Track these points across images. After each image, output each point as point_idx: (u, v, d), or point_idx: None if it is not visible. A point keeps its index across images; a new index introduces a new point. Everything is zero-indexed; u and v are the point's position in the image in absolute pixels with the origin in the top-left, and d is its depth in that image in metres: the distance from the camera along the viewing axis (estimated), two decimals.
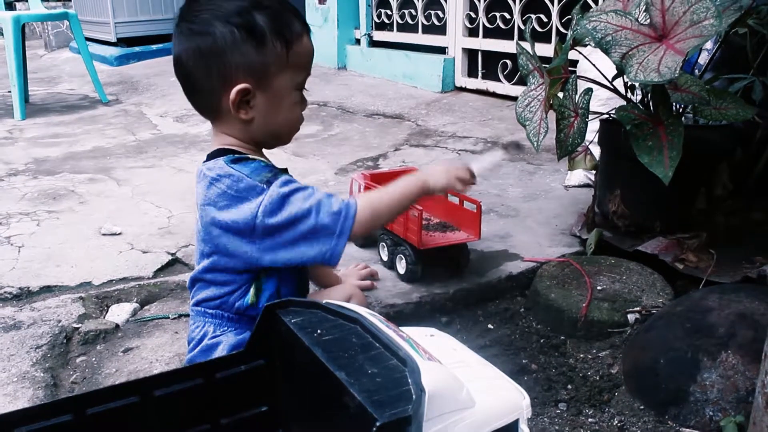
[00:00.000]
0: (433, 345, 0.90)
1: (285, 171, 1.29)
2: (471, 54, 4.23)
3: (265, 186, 1.16)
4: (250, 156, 1.23)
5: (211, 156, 1.24)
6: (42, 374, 1.49)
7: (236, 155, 1.22)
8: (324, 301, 0.89)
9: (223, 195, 1.18)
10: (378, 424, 0.66)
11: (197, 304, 1.27)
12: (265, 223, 1.15)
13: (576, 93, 1.77)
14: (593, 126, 1.96)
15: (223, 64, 1.16)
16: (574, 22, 1.83)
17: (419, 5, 4.53)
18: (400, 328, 0.88)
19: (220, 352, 1.22)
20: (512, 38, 3.86)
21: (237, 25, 1.14)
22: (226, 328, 1.24)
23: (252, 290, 1.23)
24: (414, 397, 0.70)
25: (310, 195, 1.17)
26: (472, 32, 4.18)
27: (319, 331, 0.83)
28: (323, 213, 1.16)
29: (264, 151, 1.32)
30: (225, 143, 1.25)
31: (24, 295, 1.85)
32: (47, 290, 1.88)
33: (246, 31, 1.15)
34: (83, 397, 0.82)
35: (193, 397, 0.89)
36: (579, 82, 1.81)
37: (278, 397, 0.93)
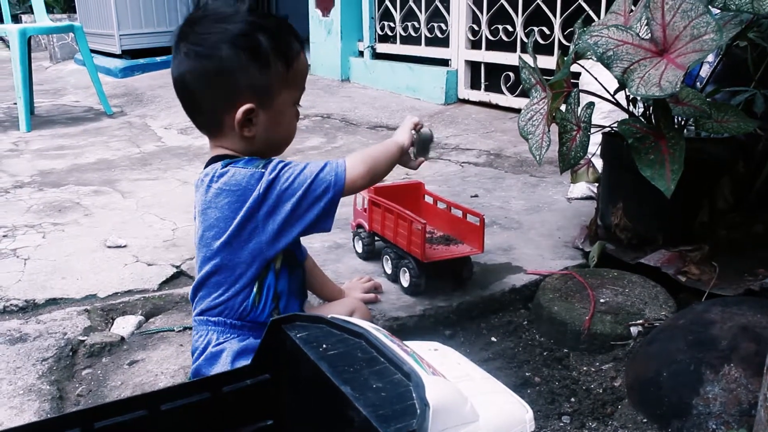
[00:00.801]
0: (437, 359, 0.91)
1: None
2: (474, 66, 4.25)
3: (262, 169, 1.21)
4: (243, 157, 1.28)
5: (208, 164, 1.29)
6: (48, 387, 1.50)
7: (231, 159, 1.26)
8: (329, 316, 0.90)
9: (222, 192, 1.22)
10: None
11: (200, 313, 1.29)
12: (271, 192, 1.21)
13: (578, 106, 1.79)
14: (596, 139, 1.97)
15: (229, 85, 1.20)
16: (576, 36, 1.84)
17: (422, 17, 4.56)
18: (404, 342, 0.89)
19: (224, 359, 1.23)
20: (515, 50, 3.88)
21: (242, 47, 1.19)
22: (229, 335, 1.26)
23: (255, 289, 1.25)
24: (418, 411, 0.71)
25: (297, 164, 1.24)
26: (475, 44, 4.20)
27: (324, 346, 0.84)
28: (315, 171, 1.22)
29: None
30: (222, 153, 1.29)
31: (30, 308, 1.86)
32: (53, 303, 1.89)
33: (251, 53, 1.19)
34: (91, 410, 0.83)
35: (199, 411, 0.90)
36: (581, 95, 1.83)
37: (283, 410, 0.94)
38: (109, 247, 2.27)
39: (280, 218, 1.22)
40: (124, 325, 1.77)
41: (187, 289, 1.91)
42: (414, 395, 0.73)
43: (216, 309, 1.26)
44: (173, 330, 1.74)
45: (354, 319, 0.90)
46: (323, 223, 1.25)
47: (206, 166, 1.29)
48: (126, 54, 6.65)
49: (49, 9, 6.94)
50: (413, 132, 1.45)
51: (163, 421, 0.87)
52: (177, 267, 2.07)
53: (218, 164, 1.25)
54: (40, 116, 4.77)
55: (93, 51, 5.29)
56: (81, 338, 1.70)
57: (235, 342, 1.25)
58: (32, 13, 5.13)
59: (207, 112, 1.26)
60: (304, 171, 1.22)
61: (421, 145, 1.53)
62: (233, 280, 1.25)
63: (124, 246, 2.27)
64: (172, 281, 2.01)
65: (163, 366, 1.59)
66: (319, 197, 1.21)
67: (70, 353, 1.64)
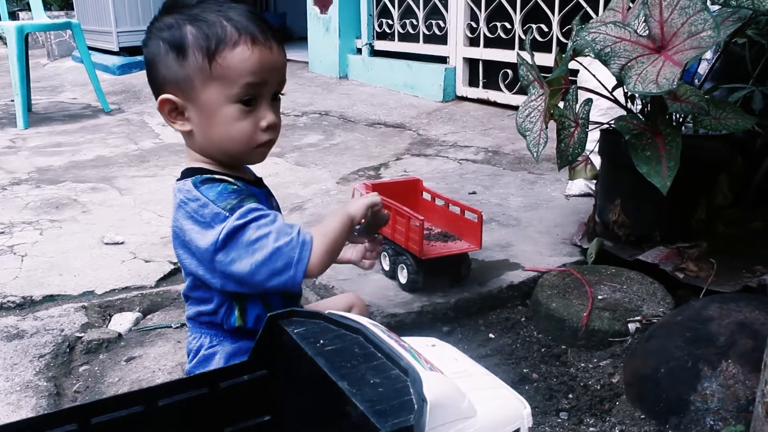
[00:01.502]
0: (434, 355, 0.91)
1: (258, 183, 1.28)
2: (472, 63, 4.25)
3: (228, 213, 1.11)
4: (217, 176, 1.18)
5: (182, 175, 1.22)
6: (45, 383, 1.50)
7: (205, 175, 1.18)
8: (326, 312, 0.90)
9: (190, 218, 1.15)
10: None
11: (192, 317, 1.27)
12: (229, 246, 1.12)
13: (576, 103, 1.78)
14: (594, 136, 1.97)
15: (153, 76, 1.18)
16: (574, 33, 1.85)
17: (420, 15, 4.55)
18: (402, 338, 0.88)
19: (216, 362, 1.21)
20: (513, 48, 3.88)
21: (163, 38, 1.14)
22: (221, 338, 1.24)
23: (236, 312, 1.21)
24: (416, 407, 0.71)
25: (266, 224, 1.12)
26: (473, 42, 4.20)
27: (321, 341, 0.84)
28: (280, 242, 1.10)
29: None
30: (193, 158, 1.22)
31: (27, 305, 1.86)
32: (50, 299, 1.89)
33: (169, 44, 1.14)
34: (88, 406, 0.82)
35: (197, 407, 0.89)
36: (579, 92, 1.82)
37: (281, 406, 0.94)
38: (106, 243, 2.26)
39: (234, 276, 1.13)
40: (121, 322, 1.77)
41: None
42: (411, 391, 0.73)
43: (205, 316, 1.24)
44: (171, 326, 1.74)
45: (351, 315, 0.89)
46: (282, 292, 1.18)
47: (180, 178, 1.21)
48: (124, 51, 6.63)
49: (47, 6, 6.93)
50: (369, 211, 1.29)
51: (161, 416, 0.87)
52: (174, 264, 2.07)
53: (190, 182, 1.16)
54: (37, 113, 4.76)
55: (90, 48, 5.28)
56: (78, 335, 1.70)
57: (228, 344, 1.23)
58: (30, 10, 5.11)
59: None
60: (268, 237, 1.11)
61: (373, 227, 1.38)
62: (210, 296, 1.21)
63: (122, 243, 2.27)
64: (169, 278, 2.01)
65: (161, 362, 1.59)
66: (279, 272, 1.11)
67: (67, 350, 1.64)
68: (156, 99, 1.19)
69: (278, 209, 1.33)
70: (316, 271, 1.13)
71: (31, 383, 1.50)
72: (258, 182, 1.30)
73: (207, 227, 1.12)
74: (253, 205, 1.13)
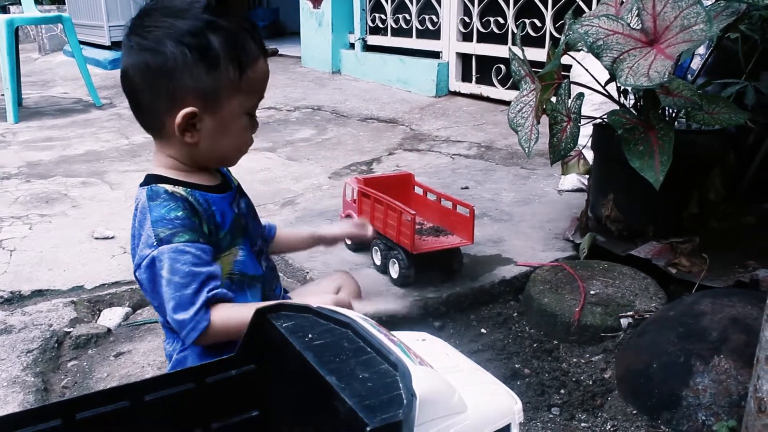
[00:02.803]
0: (424, 349, 0.90)
1: (222, 187, 1.24)
2: (465, 58, 4.24)
3: (155, 242, 1.10)
4: (169, 188, 1.15)
5: (144, 181, 1.19)
6: (32, 379, 1.48)
7: (156, 187, 1.15)
8: (315, 306, 0.89)
9: (134, 227, 1.16)
10: (368, 429, 0.66)
11: (162, 322, 1.24)
12: (139, 279, 1.14)
13: (569, 98, 1.78)
14: (587, 131, 1.96)
15: (172, 85, 1.10)
16: (566, 26, 1.83)
17: (413, 9, 4.54)
18: (392, 332, 0.87)
19: (189, 365, 1.19)
20: (506, 43, 3.87)
21: (190, 46, 1.08)
22: None
23: None
24: (405, 401, 0.70)
25: (177, 283, 1.09)
26: (466, 37, 4.19)
27: (310, 336, 0.83)
28: (177, 311, 1.09)
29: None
30: (162, 164, 1.19)
31: (15, 299, 1.84)
32: (39, 294, 1.87)
33: (198, 53, 1.09)
34: (72, 401, 0.81)
35: (183, 402, 0.88)
36: (572, 86, 1.82)
37: (269, 401, 0.92)
38: (96, 238, 2.25)
39: (153, 301, 1.16)
40: (110, 317, 1.76)
41: None
42: (401, 386, 0.72)
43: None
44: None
45: (341, 309, 0.88)
46: None
47: (144, 182, 1.19)
48: (116, 45, 6.60)
49: (38, 0, 6.87)
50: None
51: (147, 412, 0.86)
52: None
53: (145, 192, 1.14)
54: (28, 108, 4.72)
55: (82, 42, 5.24)
56: (67, 330, 1.68)
57: (197, 348, 1.21)
58: (20, 3, 5.07)
59: (148, 111, 1.16)
60: (163, 305, 1.11)
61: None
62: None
63: (112, 237, 2.25)
64: None
65: (150, 357, 1.58)
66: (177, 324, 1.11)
67: (56, 345, 1.62)
68: (155, 104, 1.13)
69: (250, 208, 1.31)
70: (207, 342, 1.11)
71: (19, 379, 1.48)
72: (223, 185, 1.25)
73: (138, 245, 1.13)
74: (182, 245, 1.10)
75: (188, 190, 1.16)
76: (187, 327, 1.09)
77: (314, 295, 1.29)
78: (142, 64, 1.11)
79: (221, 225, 1.19)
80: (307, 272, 1.87)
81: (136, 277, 1.15)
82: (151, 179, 1.18)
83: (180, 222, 1.12)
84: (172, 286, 1.09)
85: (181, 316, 1.08)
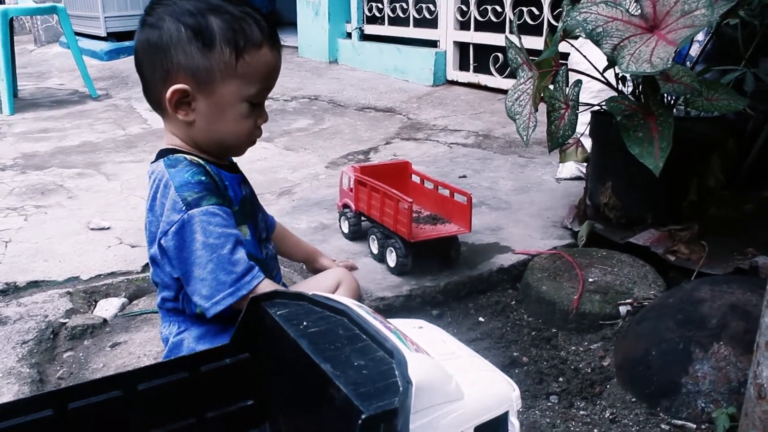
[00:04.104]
0: (421, 337, 0.89)
1: (232, 168, 1.26)
2: (462, 47, 4.22)
3: (184, 207, 1.10)
4: (187, 156, 1.17)
5: (157, 155, 1.20)
6: (28, 370, 1.48)
7: (175, 156, 1.17)
8: (311, 293, 0.88)
9: (153, 199, 1.15)
10: (364, 416, 0.65)
11: (160, 305, 1.25)
12: (165, 247, 1.13)
13: (567, 85, 1.76)
14: (585, 118, 1.95)
15: (166, 61, 1.12)
16: (564, 13, 1.82)
17: None
18: (388, 319, 0.86)
19: (186, 348, 1.19)
20: (504, 31, 3.84)
21: (186, 24, 1.10)
22: (188, 324, 1.21)
23: None
24: (401, 389, 0.69)
25: (212, 244, 1.11)
26: (464, 25, 4.16)
27: (305, 323, 0.82)
28: (216, 272, 1.11)
29: None
30: (170, 142, 1.21)
31: (11, 291, 1.83)
32: (34, 285, 1.86)
33: (193, 31, 1.10)
34: (64, 391, 0.80)
35: (178, 391, 0.87)
36: (570, 74, 1.80)
37: (264, 390, 0.92)
38: (92, 229, 2.23)
39: (178, 270, 1.14)
40: (106, 307, 1.75)
41: None
42: (396, 373, 0.71)
43: (169, 302, 1.21)
44: (156, 312, 1.71)
45: (336, 296, 0.87)
46: None
47: (156, 158, 1.20)
48: (111, 36, 6.56)
49: None
50: None
51: (141, 401, 0.85)
52: None
53: (162, 162, 1.16)
54: (23, 99, 4.70)
55: (78, 34, 5.21)
56: (62, 321, 1.67)
57: (194, 329, 1.19)
58: None
59: (149, 87, 1.17)
60: (197, 267, 1.11)
61: None
62: (171, 282, 1.19)
63: (108, 228, 2.24)
64: None
65: (146, 348, 1.57)
66: (204, 293, 1.12)
67: (51, 336, 1.61)
68: (153, 79, 1.15)
69: (253, 196, 1.32)
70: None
71: (14, 370, 1.47)
72: (232, 166, 1.28)
73: (163, 211, 1.12)
74: (211, 208, 1.12)
75: (203, 161, 1.18)
76: (224, 291, 1.11)
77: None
78: (144, 40, 1.14)
79: (233, 200, 1.20)
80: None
81: (160, 244, 1.13)
82: (164, 152, 1.19)
83: (204, 186, 1.14)
84: (208, 248, 1.10)
85: (224, 277, 1.11)
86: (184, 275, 1.13)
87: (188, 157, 1.17)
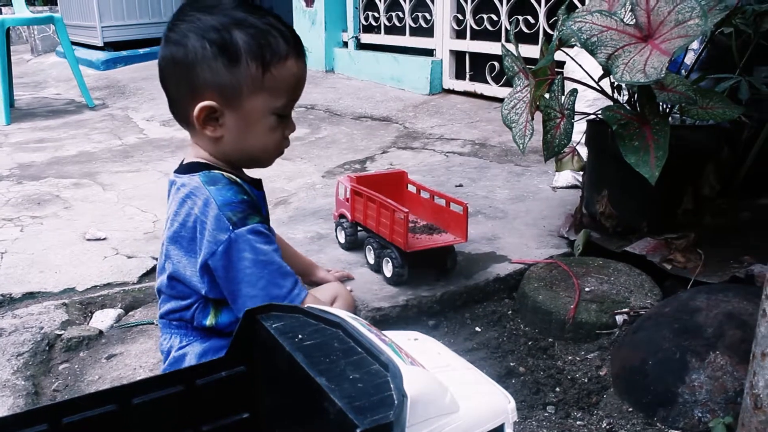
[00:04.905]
0: (416, 349, 0.88)
1: (258, 185, 1.27)
2: (458, 56, 4.23)
3: (230, 226, 1.11)
4: (225, 174, 1.17)
5: (186, 168, 1.19)
6: (23, 382, 1.47)
7: (212, 173, 1.16)
8: (306, 306, 0.88)
9: (191, 216, 1.14)
10: (358, 430, 0.64)
11: (163, 316, 1.24)
12: (213, 267, 1.13)
13: (562, 94, 1.77)
14: (581, 127, 1.95)
15: (192, 77, 1.12)
16: (559, 22, 1.82)
17: (406, 7, 4.53)
18: (384, 331, 0.86)
19: (187, 363, 1.19)
20: (499, 40, 3.86)
21: (210, 40, 1.10)
22: (191, 338, 1.21)
23: (211, 311, 1.19)
24: (396, 402, 0.69)
25: (262, 261, 1.12)
26: (460, 34, 4.18)
27: (300, 336, 0.82)
28: (269, 288, 1.13)
29: None
30: (200, 156, 1.20)
31: (6, 302, 1.83)
32: (30, 297, 1.86)
33: (219, 47, 1.10)
34: (59, 405, 0.80)
35: (173, 405, 0.87)
36: (566, 82, 1.80)
37: (259, 403, 0.91)
38: (88, 239, 2.23)
39: (224, 288, 1.15)
40: (102, 319, 1.74)
41: None
42: (391, 386, 0.71)
43: (175, 314, 1.21)
44: (153, 323, 1.71)
45: (331, 309, 0.87)
46: None
47: (183, 171, 1.19)
48: (108, 46, 6.58)
49: (30, 1, 6.85)
50: None
51: (136, 415, 0.85)
52: (157, 259, 2.04)
53: (198, 178, 1.15)
54: (20, 109, 4.70)
55: (75, 43, 5.22)
56: (58, 332, 1.66)
57: (197, 344, 1.19)
58: (11, 5, 5.05)
59: (175, 103, 1.18)
60: (251, 286, 1.12)
61: None
62: (189, 294, 1.19)
63: (104, 239, 2.23)
64: (152, 274, 1.98)
65: (142, 359, 1.56)
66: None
67: (47, 348, 1.61)
68: (179, 96, 1.15)
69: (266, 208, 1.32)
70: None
71: (9, 382, 1.46)
72: (258, 183, 1.28)
73: (206, 231, 1.12)
74: (257, 226, 1.13)
75: (239, 179, 1.19)
76: (294, 285, 1.15)
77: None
78: (168, 57, 1.14)
79: (266, 217, 1.22)
80: None
81: (208, 264, 1.13)
82: (196, 166, 1.18)
83: (247, 204, 1.14)
84: (259, 265, 1.12)
85: (276, 291, 1.13)
86: (231, 293, 1.13)
87: (226, 174, 1.17)
